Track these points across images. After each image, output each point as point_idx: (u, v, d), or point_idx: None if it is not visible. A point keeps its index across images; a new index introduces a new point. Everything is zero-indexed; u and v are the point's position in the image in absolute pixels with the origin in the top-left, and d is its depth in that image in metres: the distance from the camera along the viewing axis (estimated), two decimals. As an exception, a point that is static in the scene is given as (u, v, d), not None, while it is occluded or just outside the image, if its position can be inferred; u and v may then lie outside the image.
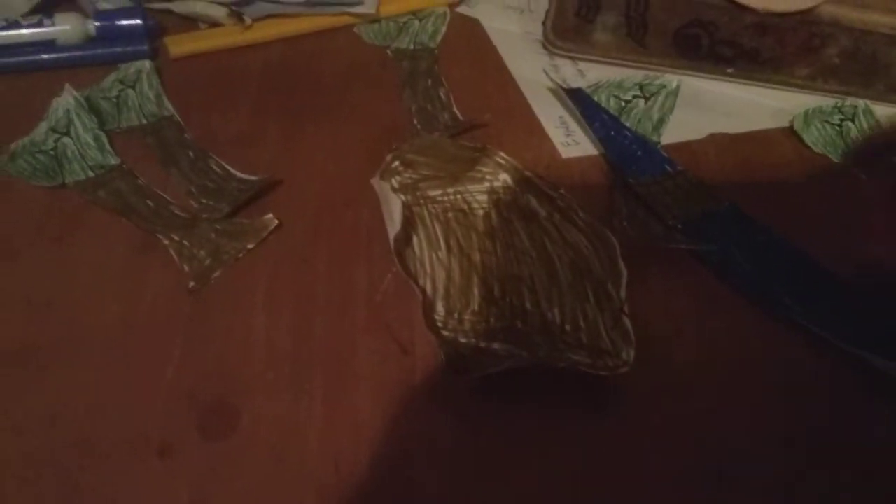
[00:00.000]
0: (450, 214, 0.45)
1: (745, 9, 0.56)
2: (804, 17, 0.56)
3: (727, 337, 0.40)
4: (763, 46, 0.56)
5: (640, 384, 0.37)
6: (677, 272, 0.43)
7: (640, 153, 0.50)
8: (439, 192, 0.46)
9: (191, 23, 0.62)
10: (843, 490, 0.34)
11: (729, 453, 0.35)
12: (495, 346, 0.38)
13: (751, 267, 0.43)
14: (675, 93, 0.55)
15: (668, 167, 0.49)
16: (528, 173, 0.46)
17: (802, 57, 0.55)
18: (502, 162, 0.47)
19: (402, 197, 0.45)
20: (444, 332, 0.38)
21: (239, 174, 0.47)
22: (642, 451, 0.35)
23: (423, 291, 0.40)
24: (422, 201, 0.46)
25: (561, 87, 0.54)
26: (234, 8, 0.60)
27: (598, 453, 0.35)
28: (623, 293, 0.38)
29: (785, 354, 0.39)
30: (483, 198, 0.46)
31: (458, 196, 0.46)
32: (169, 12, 0.62)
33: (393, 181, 0.46)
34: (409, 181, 0.47)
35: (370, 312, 0.40)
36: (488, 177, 0.47)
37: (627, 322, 0.37)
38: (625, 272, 0.39)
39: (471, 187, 0.47)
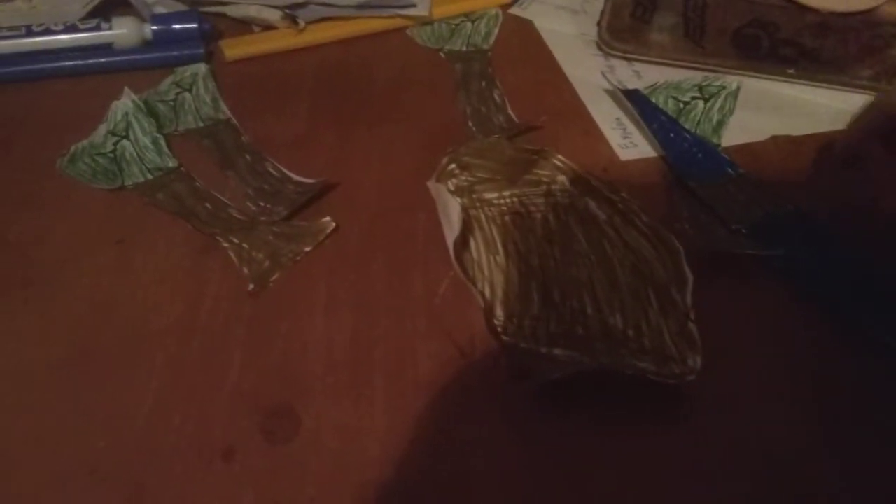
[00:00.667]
0: (507, 218, 0.45)
1: (805, 9, 0.55)
2: (866, 18, 0.55)
3: (795, 344, 0.39)
4: (824, 47, 0.54)
5: (706, 392, 0.36)
6: (742, 277, 0.42)
7: (700, 155, 0.49)
8: (496, 195, 0.46)
9: (245, 26, 0.63)
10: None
11: (798, 463, 0.34)
12: (556, 351, 0.38)
13: (817, 272, 0.42)
14: (735, 94, 0.54)
15: (729, 170, 0.48)
16: (586, 176, 0.45)
17: (865, 57, 0.54)
18: (560, 164, 0.46)
19: (459, 200, 0.45)
20: (505, 338, 0.38)
21: (296, 177, 0.47)
22: (710, 462, 0.34)
23: (483, 296, 0.39)
24: (478, 204, 0.45)
25: (618, 89, 0.54)
26: (287, 11, 0.61)
27: (662, 463, 0.34)
28: (689, 299, 0.37)
29: (856, 362, 0.38)
30: (540, 200, 0.46)
31: (515, 199, 0.46)
32: (223, 16, 0.63)
33: (449, 184, 0.46)
34: (465, 184, 0.46)
35: (429, 317, 0.40)
36: (545, 179, 0.46)
37: (694, 328, 0.36)
38: (690, 277, 0.38)
39: (528, 190, 0.46)
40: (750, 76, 0.55)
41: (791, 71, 0.55)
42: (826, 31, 0.55)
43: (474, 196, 0.46)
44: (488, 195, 0.46)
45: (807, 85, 0.55)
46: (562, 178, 0.46)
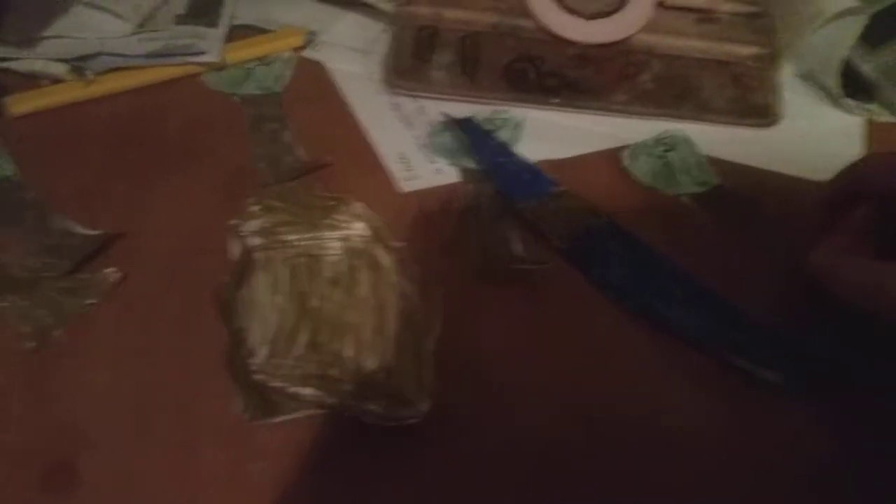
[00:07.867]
0: (301, 259, 0.47)
1: (568, 42, 0.60)
2: (620, 47, 0.60)
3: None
4: (583, 76, 0.59)
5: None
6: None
7: (527, 177, 0.53)
8: (296, 237, 0.48)
9: (32, 80, 0.62)
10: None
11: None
12: (305, 391, 0.40)
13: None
14: (520, 124, 0.58)
15: (551, 188, 0.52)
16: (379, 223, 0.48)
17: (619, 84, 0.60)
18: (360, 212, 0.49)
19: (257, 240, 0.48)
20: (257, 376, 0.40)
21: (81, 230, 0.48)
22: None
23: (232, 335, 0.41)
24: (276, 245, 0.48)
25: (452, 119, 0.57)
26: (75, 64, 0.61)
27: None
28: (433, 345, 0.41)
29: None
30: (337, 245, 0.48)
31: (314, 242, 0.48)
32: (9, 71, 0.62)
33: (251, 224, 0.48)
34: (268, 225, 0.49)
35: (217, 357, 0.41)
36: (344, 225, 0.49)
37: (431, 374, 0.40)
38: (438, 328, 0.42)
39: (327, 234, 0.49)
40: (521, 106, 0.59)
41: (556, 100, 0.59)
42: (585, 61, 0.60)
43: (273, 237, 0.48)
44: (289, 237, 0.48)
45: (570, 112, 0.60)
46: (360, 224, 0.49)
